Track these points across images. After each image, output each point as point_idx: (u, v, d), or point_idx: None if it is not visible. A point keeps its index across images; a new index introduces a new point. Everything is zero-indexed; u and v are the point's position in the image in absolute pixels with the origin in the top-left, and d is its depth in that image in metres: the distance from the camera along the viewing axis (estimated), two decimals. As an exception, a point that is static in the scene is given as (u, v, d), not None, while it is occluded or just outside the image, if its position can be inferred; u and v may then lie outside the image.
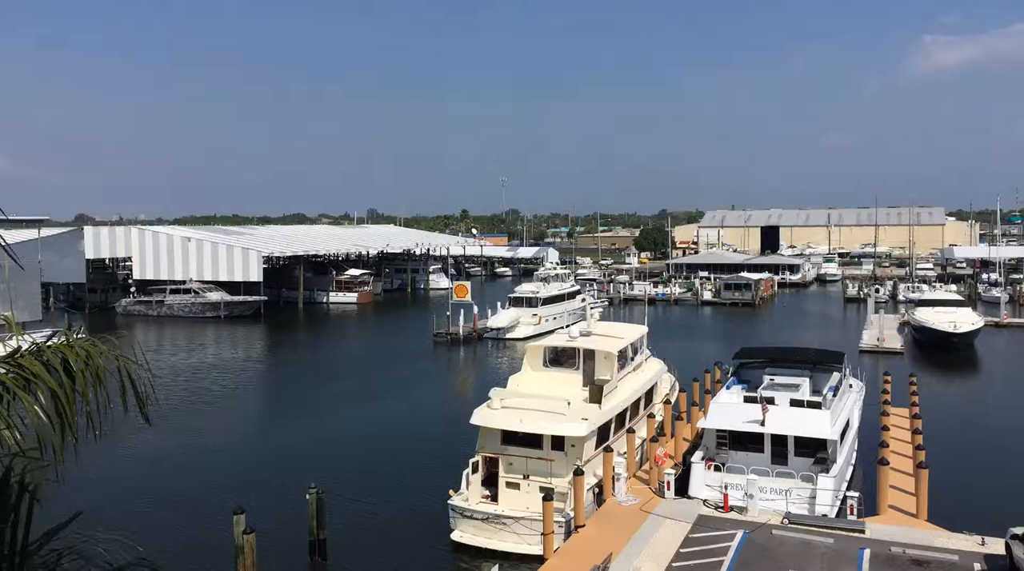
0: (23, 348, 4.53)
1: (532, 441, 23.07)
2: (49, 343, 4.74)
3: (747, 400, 25.53)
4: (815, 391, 26.30)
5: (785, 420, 23.48)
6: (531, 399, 24.07)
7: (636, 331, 31.36)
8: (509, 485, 22.94)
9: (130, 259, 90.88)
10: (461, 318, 62.31)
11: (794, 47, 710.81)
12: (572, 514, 21.50)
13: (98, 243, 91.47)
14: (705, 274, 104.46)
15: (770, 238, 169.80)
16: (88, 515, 4.87)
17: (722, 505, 21.92)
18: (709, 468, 23.28)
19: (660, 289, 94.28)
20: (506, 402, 23.94)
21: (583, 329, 29.18)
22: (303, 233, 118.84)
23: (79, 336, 5.14)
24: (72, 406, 4.37)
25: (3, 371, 4.35)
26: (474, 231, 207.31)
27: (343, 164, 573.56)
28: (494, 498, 22.99)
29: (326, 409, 39.64)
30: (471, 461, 23.44)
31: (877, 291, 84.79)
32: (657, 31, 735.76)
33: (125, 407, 4.98)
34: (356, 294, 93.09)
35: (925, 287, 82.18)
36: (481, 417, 23.60)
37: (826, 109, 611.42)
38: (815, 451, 23.19)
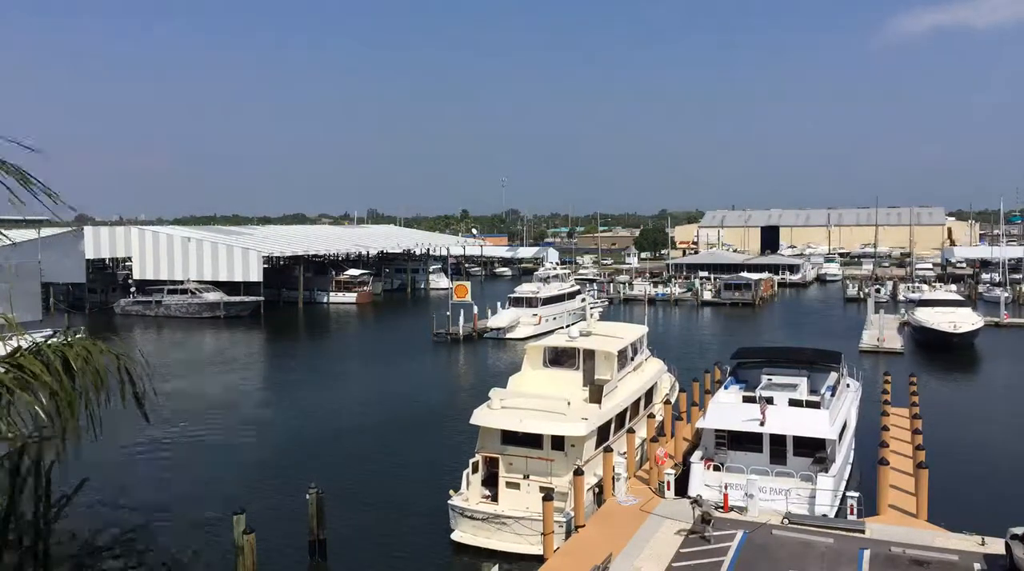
0: (23, 348, 4.53)
1: (532, 441, 23.08)
2: (49, 343, 4.74)
3: (745, 400, 25.54)
4: (813, 391, 26.32)
5: (784, 420, 23.48)
6: (531, 399, 24.07)
7: (636, 331, 31.37)
8: (509, 485, 22.95)
9: (130, 259, 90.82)
10: (461, 318, 62.31)
11: (794, 44, 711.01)
12: (572, 514, 21.51)
13: (98, 243, 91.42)
14: (705, 274, 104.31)
15: (770, 238, 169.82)
16: (88, 515, 4.89)
17: (722, 505, 21.93)
18: (708, 468, 23.29)
19: (660, 289, 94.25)
20: (506, 402, 23.94)
21: (583, 329, 29.18)
22: (303, 233, 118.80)
23: (78, 336, 5.14)
24: (73, 406, 4.37)
25: (3, 370, 4.35)
26: (474, 231, 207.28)
27: (343, 164, 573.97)
28: (494, 498, 22.99)
29: (326, 409, 39.63)
30: (471, 461, 23.45)
31: (878, 291, 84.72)
32: (657, 31, 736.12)
33: (124, 405, 4.99)
34: (355, 294, 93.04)
35: (925, 287, 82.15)
36: (481, 417, 23.60)
37: (827, 107, 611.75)
38: (814, 451, 23.20)
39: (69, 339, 4.87)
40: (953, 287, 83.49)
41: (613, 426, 25.24)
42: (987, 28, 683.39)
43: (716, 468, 23.30)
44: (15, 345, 4.66)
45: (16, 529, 3.78)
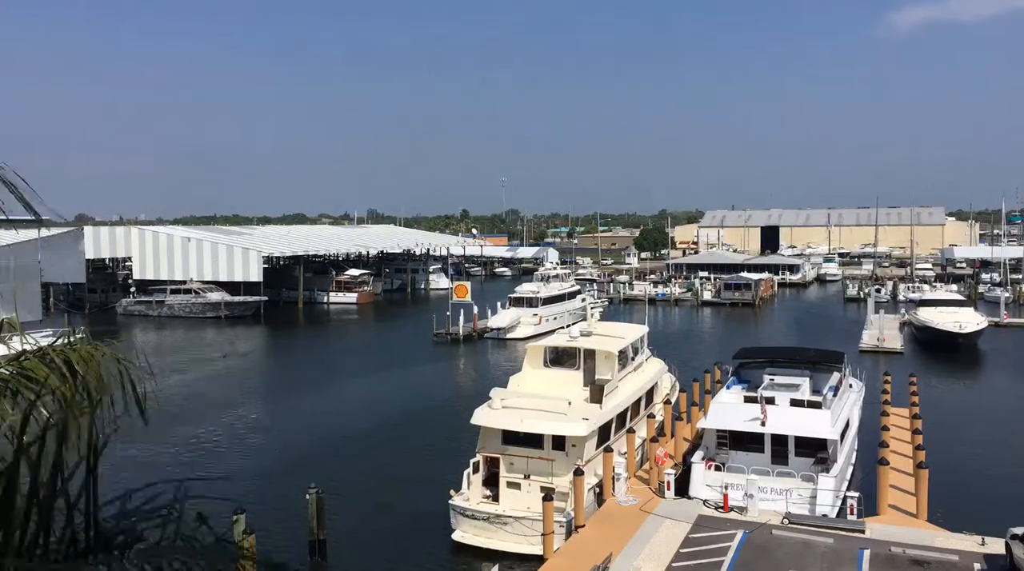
0: (27, 351, 4.55)
1: (533, 441, 23.09)
2: (53, 346, 4.75)
3: (747, 400, 25.54)
4: (815, 391, 26.31)
5: (786, 420, 23.48)
6: (532, 399, 24.08)
7: (636, 331, 31.38)
8: (510, 485, 22.96)
9: (130, 259, 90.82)
10: (461, 318, 62.30)
11: (793, 44, 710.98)
12: (572, 514, 21.51)
13: (98, 243, 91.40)
14: (705, 274, 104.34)
15: (770, 238, 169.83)
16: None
17: (722, 505, 21.93)
18: (709, 468, 23.29)
19: (660, 289, 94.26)
20: (507, 402, 23.95)
21: (584, 329, 29.18)
22: (303, 233, 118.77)
23: (79, 336, 5.16)
24: (76, 408, 4.39)
25: (8, 373, 4.36)
26: (474, 231, 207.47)
27: (343, 164, 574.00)
28: (495, 498, 23.00)
29: (326, 409, 39.64)
30: (472, 461, 23.44)
31: (878, 291, 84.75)
32: (657, 31, 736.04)
33: (127, 410, 5.01)
34: (356, 294, 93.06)
35: (926, 287, 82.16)
36: (482, 417, 23.61)
37: (826, 107, 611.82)
38: (815, 451, 23.20)
39: (72, 341, 4.88)
40: (953, 287, 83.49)
41: (614, 426, 25.24)
42: (977, 22, 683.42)
43: (717, 468, 23.31)
44: (19, 348, 4.68)
45: (63, 491, 3.83)
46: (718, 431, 24.56)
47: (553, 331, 37.38)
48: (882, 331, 55.72)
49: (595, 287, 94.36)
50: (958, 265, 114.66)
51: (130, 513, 4.07)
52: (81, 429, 4.17)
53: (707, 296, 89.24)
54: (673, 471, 23.72)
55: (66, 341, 4.90)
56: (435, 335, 62.26)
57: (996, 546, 18.80)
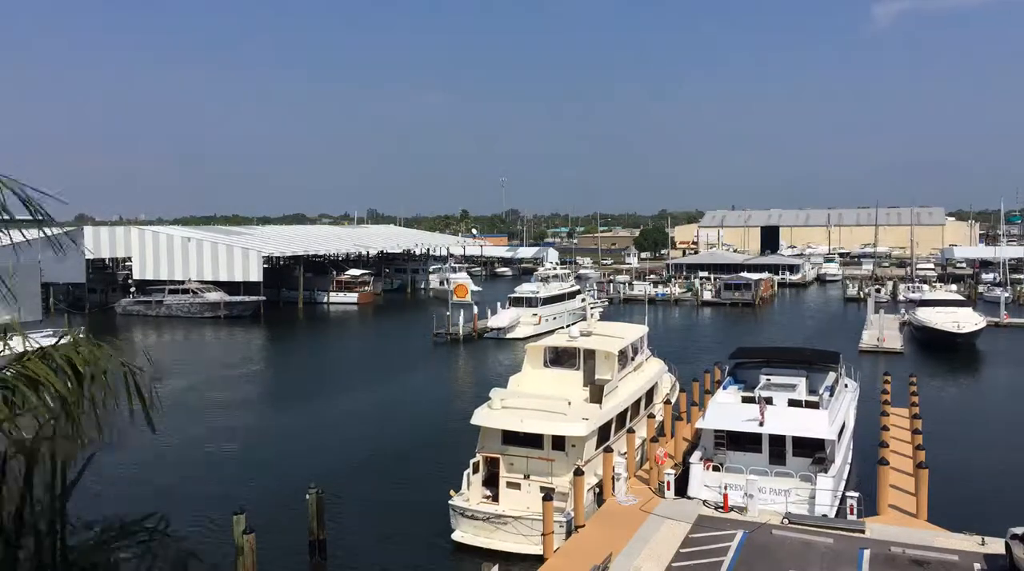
0: (30, 351, 4.54)
1: (533, 441, 23.10)
2: (56, 346, 4.75)
3: (745, 400, 25.56)
4: (811, 391, 26.32)
5: (783, 420, 23.49)
6: (532, 399, 24.09)
7: (636, 331, 31.39)
8: (510, 485, 22.97)
9: (130, 259, 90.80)
10: (461, 318, 62.32)
11: (792, 42, 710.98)
12: (572, 514, 21.53)
13: (98, 243, 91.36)
14: (705, 274, 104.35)
15: (770, 238, 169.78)
16: (87, 515, 4.92)
17: (722, 505, 21.94)
18: (707, 468, 23.30)
19: (660, 289, 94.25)
20: (507, 402, 23.96)
21: (583, 329, 29.20)
22: (303, 233, 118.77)
23: (82, 336, 5.16)
24: (79, 408, 4.39)
25: (11, 374, 4.36)
26: (474, 231, 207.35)
27: (343, 164, 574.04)
28: (495, 498, 23.01)
29: (326, 409, 39.63)
30: (472, 461, 23.46)
31: (878, 291, 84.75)
32: (657, 31, 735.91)
33: (131, 413, 5.01)
34: (356, 294, 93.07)
35: (926, 287, 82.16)
36: (482, 417, 23.62)
37: (826, 106, 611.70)
38: (813, 451, 23.21)
39: (75, 342, 4.87)
40: (953, 287, 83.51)
41: (613, 426, 25.25)
42: (956, 10, 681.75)
43: (715, 468, 23.31)
44: (21, 349, 4.67)
45: (32, 515, 3.85)
46: (716, 431, 24.56)
47: (553, 331, 37.39)
48: (882, 331, 55.74)
49: (594, 287, 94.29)
50: (958, 265, 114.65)
51: (106, 530, 4.09)
52: (76, 435, 4.18)
53: (707, 296, 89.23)
54: (673, 471, 23.72)
55: (70, 341, 4.90)
56: (435, 335, 62.29)
57: (996, 546, 18.81)
